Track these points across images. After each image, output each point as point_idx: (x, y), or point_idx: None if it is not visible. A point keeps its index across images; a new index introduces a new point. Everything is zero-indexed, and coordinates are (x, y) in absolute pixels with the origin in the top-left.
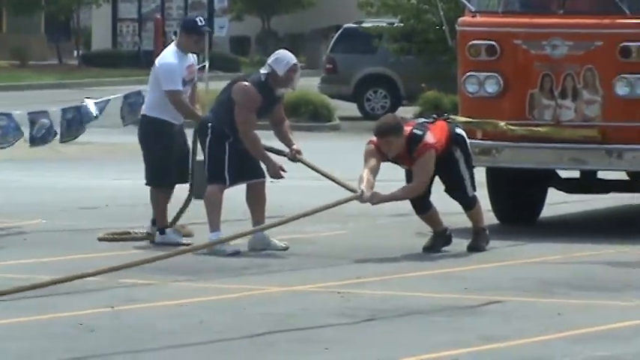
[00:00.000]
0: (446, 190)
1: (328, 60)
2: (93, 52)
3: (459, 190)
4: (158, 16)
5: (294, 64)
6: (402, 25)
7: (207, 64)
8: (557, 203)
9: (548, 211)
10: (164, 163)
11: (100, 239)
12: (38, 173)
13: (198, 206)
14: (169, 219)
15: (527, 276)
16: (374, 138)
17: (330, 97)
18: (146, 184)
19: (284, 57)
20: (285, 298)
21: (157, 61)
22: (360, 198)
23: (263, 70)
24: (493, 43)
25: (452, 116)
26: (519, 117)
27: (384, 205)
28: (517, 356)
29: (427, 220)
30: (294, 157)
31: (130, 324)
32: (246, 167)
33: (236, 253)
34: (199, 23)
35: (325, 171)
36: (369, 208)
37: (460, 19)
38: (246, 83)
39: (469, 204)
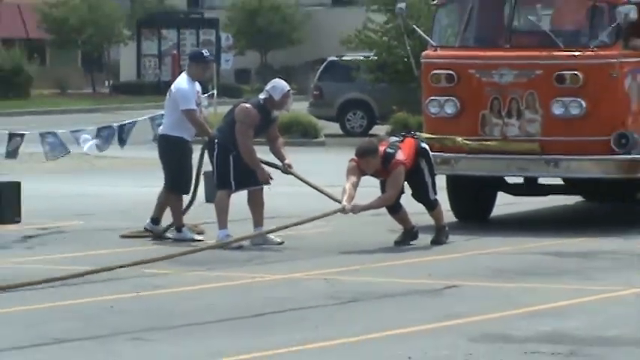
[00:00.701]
0: (412, 195)
1: (315, 87)
2: (121, 82)
3: (423, 195)
4: (175, 52)
5: (288, 91)
6: (376, 58)
7: (215, 92)
8: (505, 204)
9: (498, 210)
10: (185, 174)
11: (123, 236)
12: (75, 183)
13: (209, 209)
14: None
15: (481, 264)
16: (355, 157)
17: (317, 118)
18: (169, 191)
19: (279, 85)
20: (282, 285)
21: (173, 86)
22: (343, 210)
23: (262, 95)
24: (451, 72)
25: (418, 133)
26: (473, 133)
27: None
28: (474, 331)
29: (398, 219)
30: (286, 170)
31: (152, 306)
32: (248, 176)
33: (240, 247)
34: (205, 54)
35: (312, 183)
36: None
37: (424, 53)
38: (248, 105)
39: (431, 206)
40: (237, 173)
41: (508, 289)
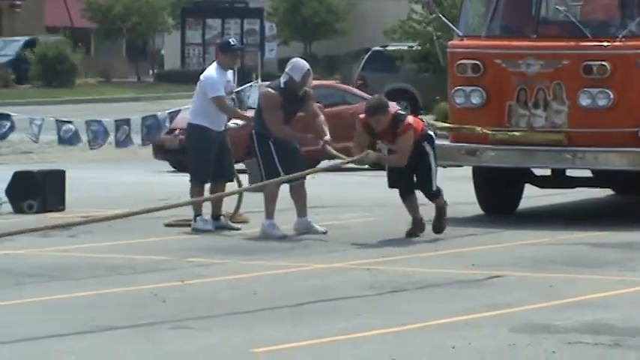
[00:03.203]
0: (416, 185)
1: (359, 77)
2: (165, 71)
3: (426, 182)
4: (219, 41)
5: (308, 70)
6: (419, 48)
7: (259, 81)
8: (537, 196)
9: (532, 202)
10: (201, 163)
11: (167, 225)
12: (119, 171)
13: (253, 198)
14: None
15: (522, 255)
16: (363, 116)
17: None
18: (190, 181)
19: (298, 65)
20: (325, 274)
21: (202, 75)
22: (364, 158)
23: (282, 78)
24: (477, 62)
25: (431, 121)
26: (499, 124)
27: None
28: (518, 321)
29: (408, 205)
30: (324, 147)
31: (196, 295)
32: (294, 159)
33: (284, 237)
34: (232, 43)
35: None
36: (392, 199)
37: (450, 42)
38: (267, 89)
39: (434, 196)
40: (282, 159)
41: (551, 280)
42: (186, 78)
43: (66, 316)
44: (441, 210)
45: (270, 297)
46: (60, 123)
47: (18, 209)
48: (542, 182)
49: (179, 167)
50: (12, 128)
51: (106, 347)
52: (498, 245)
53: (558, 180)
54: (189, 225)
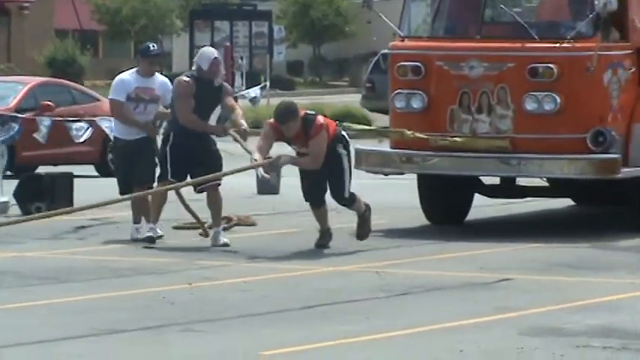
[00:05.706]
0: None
1: (368, 80)
2: (173, 73)
3: (337, 190)
4: (227, 43)
5: (215, 58)
6: None
7: (267, 83)
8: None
9: (528, 207)
10: (116, 174)
11: (175, 227)
12: None
13: (260, 201)
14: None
15: (530, 258)
16: (272, 121)
17: (370, 110)
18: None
19: (205, 53)
20: (333, 277)
21: None
22: (275, 162)
23: (193, 67)
24: (418, 64)
25: (347, 123)
26: (441, 130)
27: (411, 201)
28: (526, 324)
29: (318, 215)
30: (225, 130)
31: (204, 298)
32: (187, 167)
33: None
34: (151, 49)
35: (248, 147)
36: (405, 202)
37: (391, 44)
38: (180, 77)
39: (349, 202)
40: (174, 162)
41: (559, 283)
42: None
43: (74, 319)
44: (363, 217)
45: (278, 300)
46: (70, 123)
47: (26, 212)
48: (491, 191)
49: None
50: (19, 131)
51: (115, 350)
52: (506, 248)
53: (508, 189)
54: (199, 228)
